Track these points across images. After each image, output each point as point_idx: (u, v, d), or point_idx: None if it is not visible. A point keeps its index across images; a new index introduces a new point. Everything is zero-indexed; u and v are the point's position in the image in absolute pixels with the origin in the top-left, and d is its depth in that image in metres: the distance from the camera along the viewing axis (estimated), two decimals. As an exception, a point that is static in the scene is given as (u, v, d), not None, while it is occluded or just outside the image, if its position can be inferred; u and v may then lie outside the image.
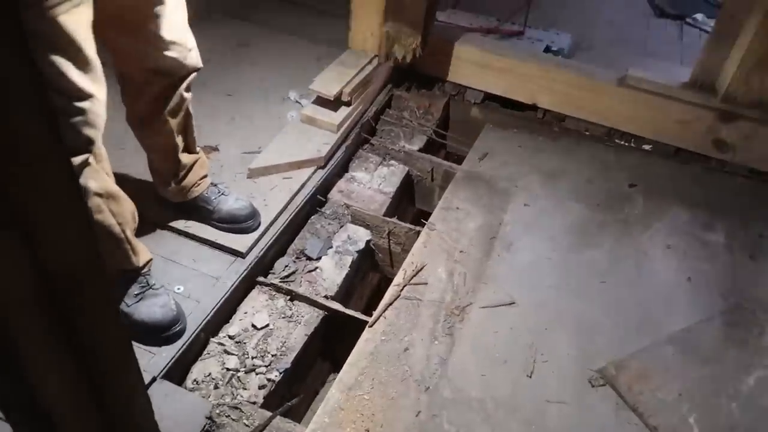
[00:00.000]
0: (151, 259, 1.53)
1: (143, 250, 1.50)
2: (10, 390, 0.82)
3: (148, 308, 1.47)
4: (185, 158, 1.64)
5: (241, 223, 1.75)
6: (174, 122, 1.53)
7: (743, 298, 1.75)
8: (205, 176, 1.74)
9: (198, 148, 1.69)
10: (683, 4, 3.47)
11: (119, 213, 1.36)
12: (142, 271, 1.50)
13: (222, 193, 1.76)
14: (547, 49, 2.68)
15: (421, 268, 1.77)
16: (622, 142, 2.37)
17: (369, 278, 2.14)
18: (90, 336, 0.79)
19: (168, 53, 1.38)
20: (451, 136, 2.51)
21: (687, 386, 1.51)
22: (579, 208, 2.04)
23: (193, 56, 1.46)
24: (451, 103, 2.55)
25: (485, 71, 2.42)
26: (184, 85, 1.50)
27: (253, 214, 1.78)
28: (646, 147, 2.35)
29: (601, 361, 1.56)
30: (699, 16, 3.33)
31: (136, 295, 1.48)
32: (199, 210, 1.74)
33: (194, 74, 1.51)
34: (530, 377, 1.51)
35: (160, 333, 1.47)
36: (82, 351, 0.79)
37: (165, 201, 1.74)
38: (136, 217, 1.44)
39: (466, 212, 2.00)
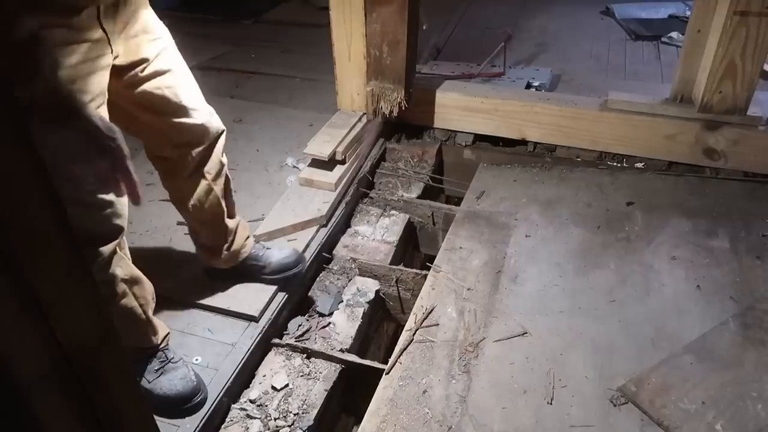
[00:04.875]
0: (168, 333, 1.57)
1: (162, 326, 1.55)
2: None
3: (169, 381, 1.50)
4: (231, 223, 1.69)
5: (292, 269, 1.82)
6: (217, 189, 1.59)
7: (755, 299, 1.75)
8: (249, 236, 1.80)
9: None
10: (657, 25, 3.59)
11: (141, 295, 1.43)
12: (161, 346, 1.55)
13: (266, 248, 1.84)
14: (529, 86, 2.78)
15: (431, 310, 1.80)
16: (615, 164, 2.43)
17: (384, 328, 2.17)
18: (110, 410, 0.83)
19: (193, 121, 1.43)
20: (447, 179, 2.58)
21: (710, 393, 1.49)
22: (580, 232, 2.07)
23: (216, 119, 1.52)
24: (443, 148, 2.63)
25: (472, 114, 2.51)
26: (218, 149, 1.55)
27: (300, 258, 1.86)
28: (639, 165, 2.39)
29: (620, 379, 1.56)
30: (674, 34, 3.44)
31: (156, 370, 1.52)
32: (250, 269, 1.80)
33: (223, 136, 1.56)
34: (551, 404, 1.51)
35: (182, 404, 1.50)
36: (105, 425, 0.83)
37: (211, 271, 1.81)
38: (155, 297, 1.50)
39: (470, 250, 2.03)
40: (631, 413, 1.48)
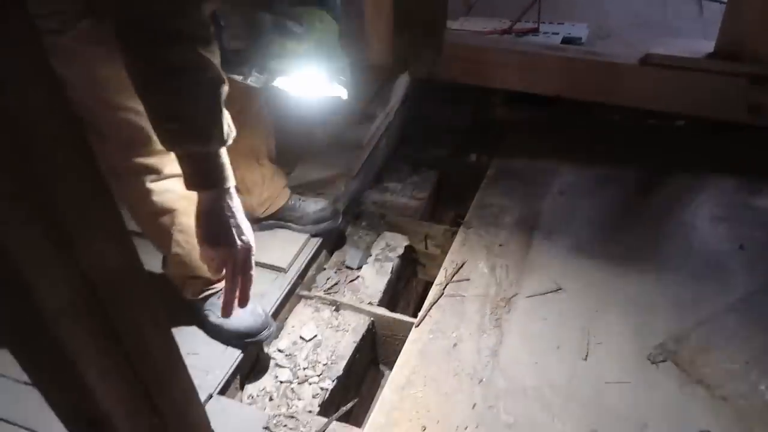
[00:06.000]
0: None
1: None
2: (64, 398, 0.85)
3: (238, 317, 1.48)
4: (268, 166, 1.69)
5: (327, 221, 1.80)
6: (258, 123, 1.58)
7: (802, 259, 1.68)
8: (285, 185, 1.79)
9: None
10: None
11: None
12: None
13: (301, 199, 1.82)
14: (564, 41, 2.67)
15: (462, 266, 1.76)
16: (654, 122, 2.33)
17: (413, 285, 2.14)
18: (137, 344, 0.81)
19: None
20: (479, 136, 2.51)
21: (754, 354, 1.44)
22: (617, 190, 2.00)
23: None
24: (476, 106, 2.56)
25: (506, 70, 2.43)
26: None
27: (336, 212, 1.84)
28: (679, 123, 2.30)
29: (658, 338, 1.51)
30: (718, -10, 3.27)
31: None
32: (284, 219, 1.79)
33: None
34: (586, 360, 1.47)
35: (251, 338, 1.48)
36: (133, 359, 0.82)
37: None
38: None
39: (502, 207, 1.98)
40: (670, 372, 1.43)
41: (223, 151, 1.06)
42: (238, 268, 1.10)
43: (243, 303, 1.13)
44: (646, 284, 1.66)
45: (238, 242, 1.09)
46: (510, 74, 2.43)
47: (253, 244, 1.12)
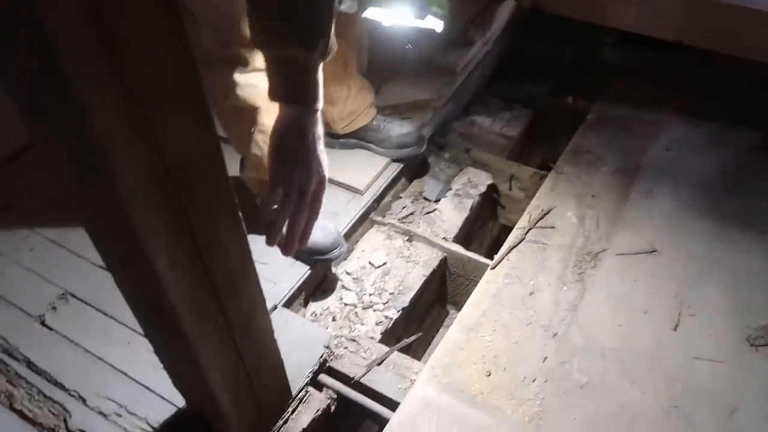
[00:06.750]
0: None
1: None
2: (133, 284, 0.82)
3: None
4: (356, 79, 1.61)
5: (411, 147, 1.71)
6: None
7: None
8: (372, 103, 1.70)
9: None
10: None
11: None
12: None
13: (386, 120, 1.73)
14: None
15: (548, 212, 1.64)
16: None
17: (489, 227, 2.03)
18: (208, 236, 0.76)
19: None
20: (582, 77, 2.30)
21: None
22: (732, 151, 1.79)
23: None
24: (582, 44, 2.34)
25: (622, 6, 2.18)
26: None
27: (421, 138, 1.74)
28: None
29: (762, 318, 1.36)
30: None
31: None
32: (366, 139, 1.72)
33: None
34: (675, 330, 1.35)
35: (320, 255, 1.45)
36: (203, 252, 0.77)
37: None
38: None
39: (599, 156, 1.82)
40: (771, 356, 1.29)
41: (320, 68, 0.92)
42: (306, 201, 0.95)
43: (304, 241, 0.98)
44: (754, 257, 1.49)
45: (316, 173, 0.94)
46: (627, 12, 2.18)
47: (327, 180, 0.97)
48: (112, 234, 0.72)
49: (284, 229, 0.96)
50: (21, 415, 1.24)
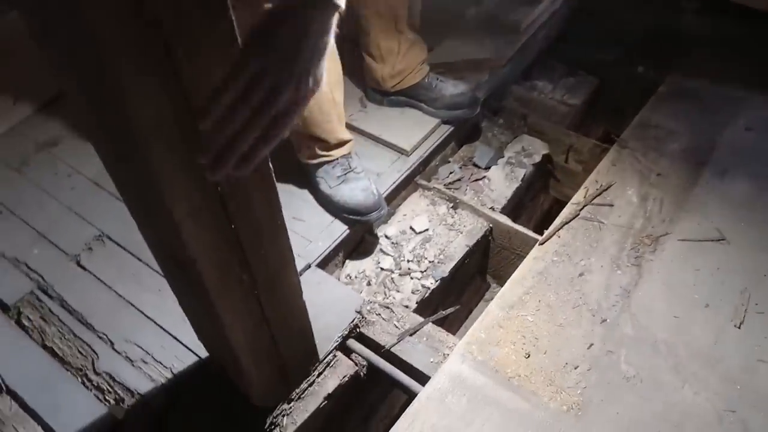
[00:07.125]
0: (351, 140, 1.44)
1: (345, 133, 1.43)
2: (154, 232, 0.78)
3: (350, 190, 1.40)
4: (409, 33, 1.53)
5: (464, 108, 1.63)
6: None
7: None
8: (425, 61, 1.62)
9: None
10: None
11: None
12: (344, 154, 1.43)
13: (440, 79, 1.64)
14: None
15: (607, 188, 1.52)
16: None
17: (540, 200, 1.93)
18: (233, 186, 0.70)
19: None
20: (654, 46, 2.12)
21: None
22: (824, 137, 1.61)
23: None
24: (660, 9, 2.14)
25: (710, -33, 1.98)
26: None
27: (475, 100, 1.64)
28: None
29: (840, 323, 1.22)
30: None
31: (338, 177, 1.42)
32: (418, 98, 1.64)
33: None
34: (739, 328, 1.23)
35: (360, 215, 1.40)
36: (227, 202, 0.71)
37: (373, 92, 1.67)
38: (342, 81, 1.38)
39: (669, 131, 1.67)
40: None
41: None
42: (269, 109, 0.61)
43: (243, 166, 0.62)
44: (837, 257, 1.34)
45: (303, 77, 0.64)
46: (715, -26, 1.98)
47: (312, 96, 0.66)
48: (132, 178, 0.67)
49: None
50: (51, 352, 1.24)
